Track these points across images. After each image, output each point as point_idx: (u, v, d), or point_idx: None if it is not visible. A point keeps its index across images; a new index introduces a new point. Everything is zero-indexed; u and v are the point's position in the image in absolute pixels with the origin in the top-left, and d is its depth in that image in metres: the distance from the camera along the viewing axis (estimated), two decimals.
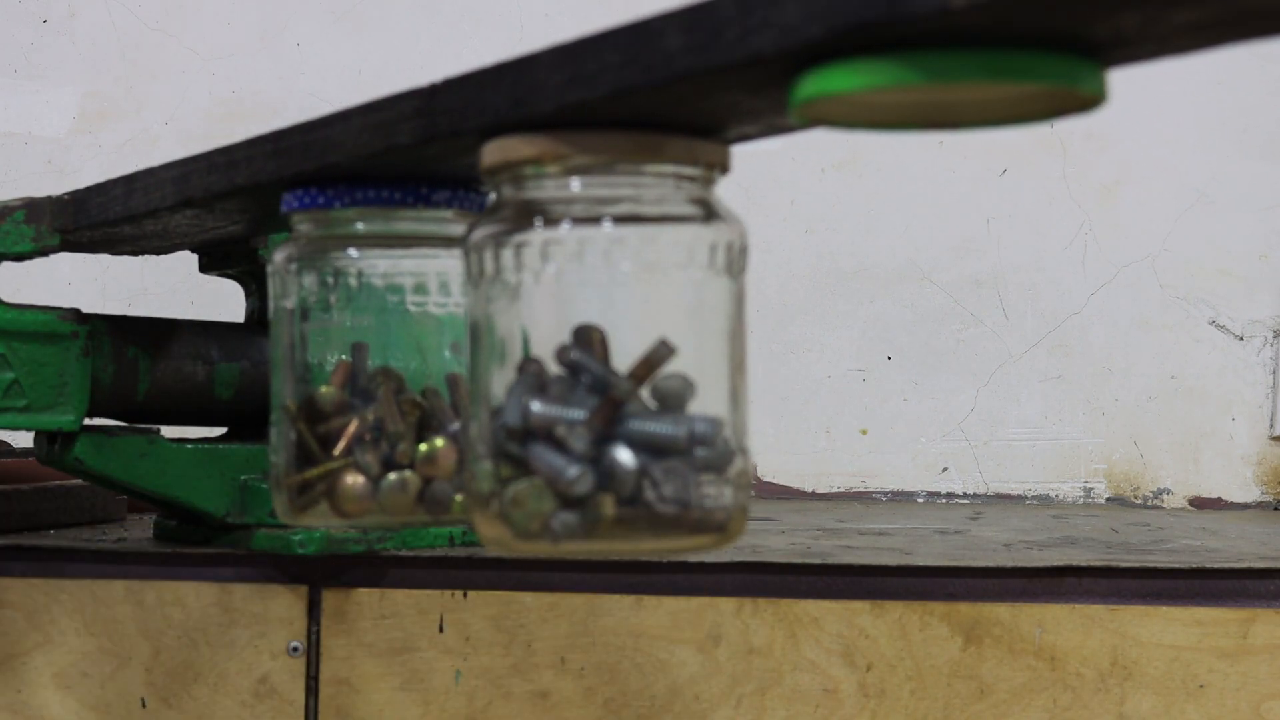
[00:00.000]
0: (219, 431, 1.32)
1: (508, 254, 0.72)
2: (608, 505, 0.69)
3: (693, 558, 1.22)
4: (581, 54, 0.69)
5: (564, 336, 0.71)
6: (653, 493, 0.69)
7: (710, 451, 0.70)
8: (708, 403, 0.71)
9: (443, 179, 0.89)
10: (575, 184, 0.71)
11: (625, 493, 0.69)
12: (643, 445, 0.69)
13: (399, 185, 0.89)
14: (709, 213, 0.72)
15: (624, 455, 0.69)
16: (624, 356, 0.71)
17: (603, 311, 0.72)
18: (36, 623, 1.24)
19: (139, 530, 1.39)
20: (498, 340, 0.73)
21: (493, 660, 1.22)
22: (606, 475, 0.69)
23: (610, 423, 0.69)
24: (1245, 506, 1.89)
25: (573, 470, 0.69)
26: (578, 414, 0.69)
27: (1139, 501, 1.85)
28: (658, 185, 0.72)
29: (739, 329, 0.73)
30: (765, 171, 2.00)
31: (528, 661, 1.22)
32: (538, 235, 0.71)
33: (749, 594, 1.21)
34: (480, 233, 0.73)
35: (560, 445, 0.69)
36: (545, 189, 0.72)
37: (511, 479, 0.71)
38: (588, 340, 0.71)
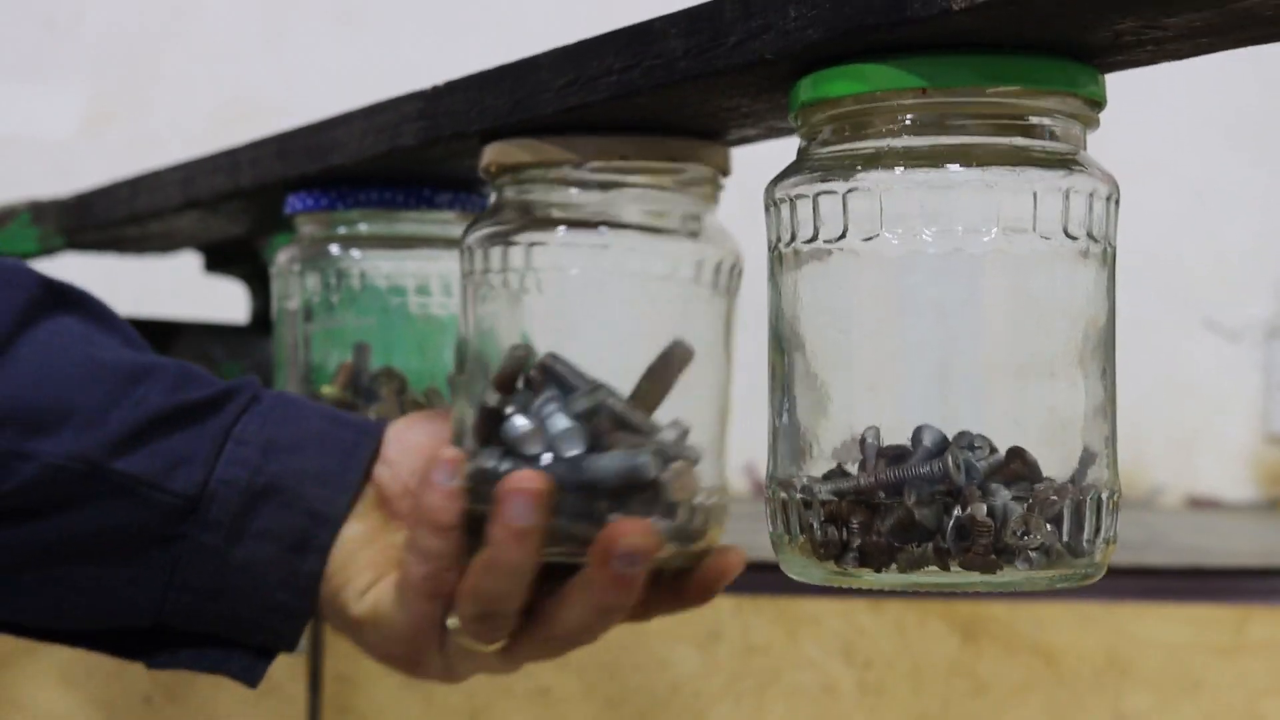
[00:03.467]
0: None
1: (496, 254, 0.71)
2: None
3: None
4: (583, 57, 0.69)
5: (557, 338, 0.70)
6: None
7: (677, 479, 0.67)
8: (698, 423, 0.69)
9: (445, 181, 0.89)
10: (573, 191, 0.71)
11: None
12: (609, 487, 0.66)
13: (402, 187, 0.89)
14: (700, 230, 0.70)
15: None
16: (618, 362, 0.69)
17: (595, 316, 0.70)
18: None
19: None
20: (487, 340, 0.72)
21: None
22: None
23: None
24: (1241, 505, 1.89)
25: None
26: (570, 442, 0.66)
27: (1135, 500, 1.86)
28: (657, 193, 0.71)
29: (727, 343, 0.70)
30: (768, 173, 2.01)
31: None
32: (534, 237, 0.71)
33: (748, 592, 1.22)
34: (477, 233, 0.72)
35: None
36: (543, 192, 0.71)
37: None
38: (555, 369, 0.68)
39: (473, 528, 0.66)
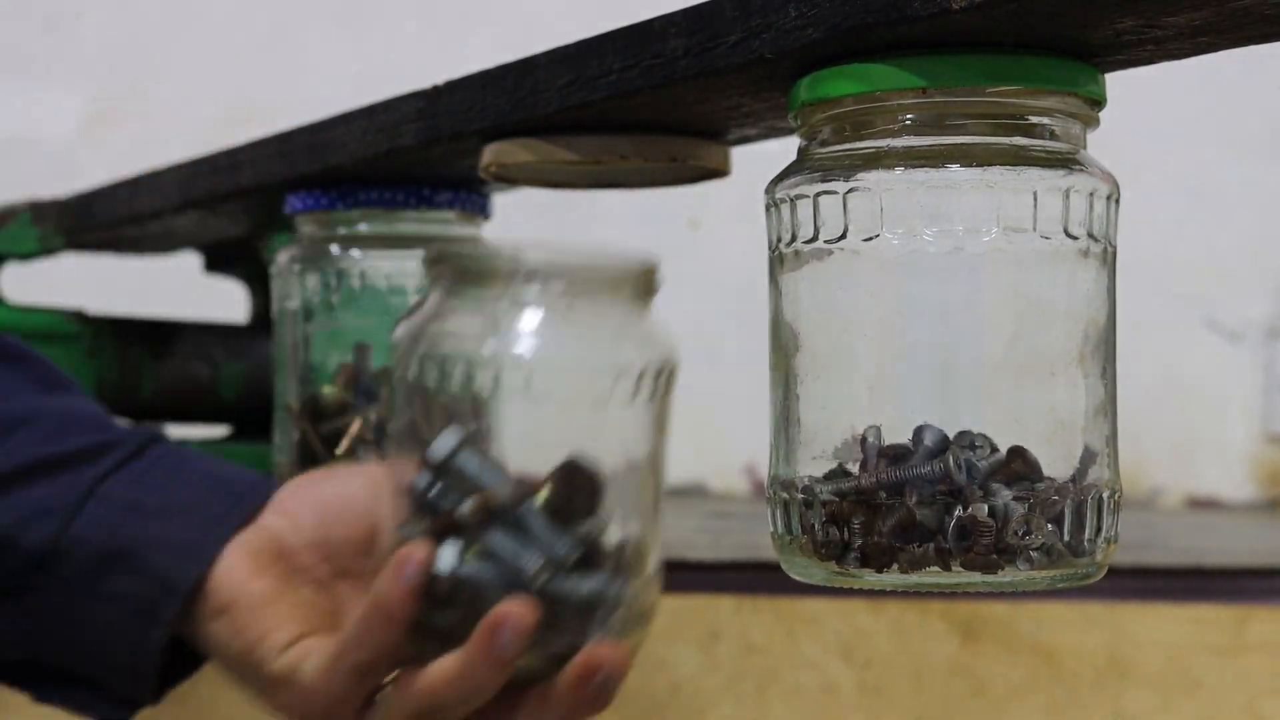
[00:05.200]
0: (223, 432, 1.33)
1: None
2: None
3: None
4: (583, 57, 0.69)
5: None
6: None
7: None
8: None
9: (445, 181, 0.89)
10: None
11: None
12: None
13: (402, 187, 0.89)
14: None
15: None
16: None
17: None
18: None
19: None
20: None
21: None
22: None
23: None
24: (1241, 505, 1.89)
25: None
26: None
27: (1135, 500, 1.86)
28: None
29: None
30: (768, 173, 2.01)
31: None
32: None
33: (748, 592, 1.22)
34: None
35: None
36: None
37: None
38: None
39: (430, 629, 0.60)
